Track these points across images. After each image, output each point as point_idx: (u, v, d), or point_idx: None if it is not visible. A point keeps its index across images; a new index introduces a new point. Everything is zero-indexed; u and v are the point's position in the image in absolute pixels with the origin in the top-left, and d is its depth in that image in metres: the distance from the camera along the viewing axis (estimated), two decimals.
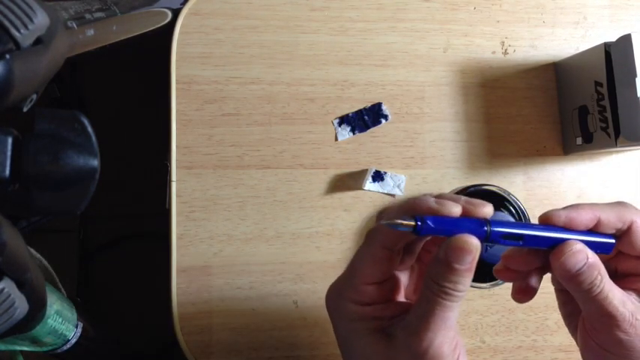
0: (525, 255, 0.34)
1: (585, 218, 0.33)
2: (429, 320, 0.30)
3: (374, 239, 0.33)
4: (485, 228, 0.31)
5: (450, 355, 0.31)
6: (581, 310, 0.34)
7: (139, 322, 0.80)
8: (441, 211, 0.31)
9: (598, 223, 0.33)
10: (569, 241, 0.32)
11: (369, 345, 0.32)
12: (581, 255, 0.32)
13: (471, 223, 0.31)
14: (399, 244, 0.33)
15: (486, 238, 0.31)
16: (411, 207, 0.32)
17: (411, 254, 0.36)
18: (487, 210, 0.32)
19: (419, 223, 0.29)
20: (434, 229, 0.30)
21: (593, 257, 0.32)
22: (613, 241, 0.34)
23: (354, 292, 0.33)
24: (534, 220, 0.35)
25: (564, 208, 0.33)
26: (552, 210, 0.33)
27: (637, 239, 0.33)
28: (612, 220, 0.33)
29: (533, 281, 0.36)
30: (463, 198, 0.32)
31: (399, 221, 0.29)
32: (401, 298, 0.36)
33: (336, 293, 0.34)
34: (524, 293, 0.36)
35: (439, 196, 0.33)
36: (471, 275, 0.31)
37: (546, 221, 0.33)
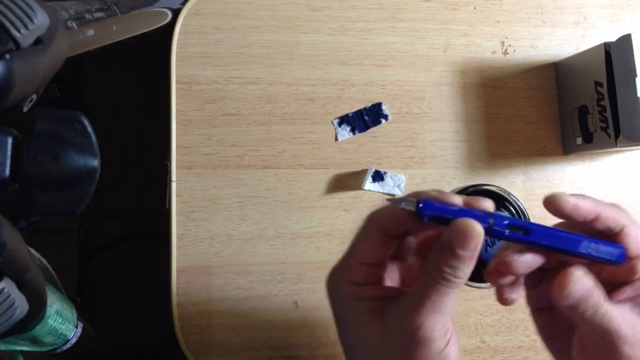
0: (522, 257, 0.34)
1: (588, 210, 0.32)
2: (422, 303, 0.31)
3: (373, 221, 0.34)
4: (489, 219, 0.31)
5: (439, 338, 0.31)
6: (580, 333, 0.33)
7: (139, 322, 0.80)
8: (443, 199, 0.32)
9: (596, 219, 0.33)
10: (568, 270, 0.31)
11: (364, 324, 0.33)
12: (582, 282, 0.31)
13: (473, 213, 0.31)
14: (397, 229, 0.34)
15: (489, 229, 0.31)
16: (414, 194, 0.33)
17: (404, 252, 0.36)
18: (488, 204, 0.32)
19: (421, 204, 0.30)
20: (437, 209, 0.30)
21: (591, 280, 0.32)
22: (622, 250, 0.32)
23: (349, 270, 0.34)
24: (535, 220, 0.35)
25: (572, 194, 0.33)
26: (559, 193, 0.32)
27: (626, 244, 0.33)
28: (609, 219, 0.33)
29: (520, 284, 0.35)
30: (463, 196, 0.33)
31: (403, 202, 0.31)
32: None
33: (335, 275, 0.35)
34: (510, 292, 0.35)
35: (440, 192, 0.33)
36: (471, 264, 0.30)
37: (552, 203, 0.32)
